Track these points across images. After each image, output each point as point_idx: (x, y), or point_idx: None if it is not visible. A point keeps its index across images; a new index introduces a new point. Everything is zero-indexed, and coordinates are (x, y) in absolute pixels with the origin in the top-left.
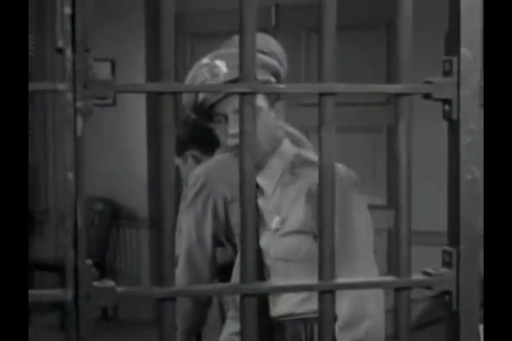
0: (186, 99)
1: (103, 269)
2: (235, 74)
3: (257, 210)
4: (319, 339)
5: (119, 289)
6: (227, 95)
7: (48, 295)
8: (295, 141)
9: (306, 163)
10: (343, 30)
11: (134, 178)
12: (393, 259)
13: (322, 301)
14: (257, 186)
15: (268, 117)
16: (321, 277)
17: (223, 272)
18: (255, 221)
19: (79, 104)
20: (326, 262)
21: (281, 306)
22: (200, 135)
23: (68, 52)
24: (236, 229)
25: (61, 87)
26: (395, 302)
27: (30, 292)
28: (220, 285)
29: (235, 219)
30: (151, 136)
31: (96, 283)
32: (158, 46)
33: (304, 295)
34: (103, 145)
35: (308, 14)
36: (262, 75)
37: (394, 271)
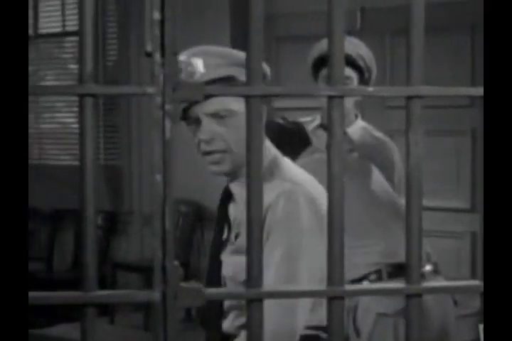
0: None
1: (187, 270)
2: (213, 75)
3: (227, 219)
4: None
5: (207, 290)
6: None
7: (134, 295)
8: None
9: (271, 176)
10: (428, 32)
11: (218, 180)
12: (478, 263)
13: (409, 304)
14: (230, 193)
15: (241, 121)
16: (408, 281)
17: None
18: (343, 222)
19: (167, 107)
20: (413, 265)
21: (236, 320)
22: (285, 138)
23: (157, 56)
24: None
25: (150, 90)
26: (480, 307)
27: (117, 292)
28: (308, 288)
29: None
30: None
31: (183, 284)
32: (247, 50)
33: None
34: (187, 148)
35: (394, 17)
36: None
37: (479, 275)
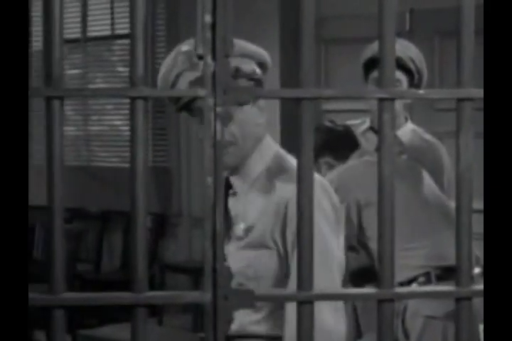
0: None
1: None
2: None
3: (226, 212)
4: None
5: (258, 292)
6: None
7: (185, 297)
8: None
9: (282, 170)
10: (479, 34)
11: None
12: None
13: (459, 307)
14: (230, 185)
15: (246, 114)
16: (458, 284)
17: (354, 277)
18: (393, 224)
19: (219, 109)
20: (463, 268)
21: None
22: (334, 141)
23: (208, 58)
24: (370, 233)
25: (202, 92)
26: None
27: (168, 293)
28: (358, 290)
29: (369, 224)
30: (284, 141)
31: (234, 286)
32: (297, 52)
33: (259, 316)
34: None
35: (443, 19)
36: None
37: None
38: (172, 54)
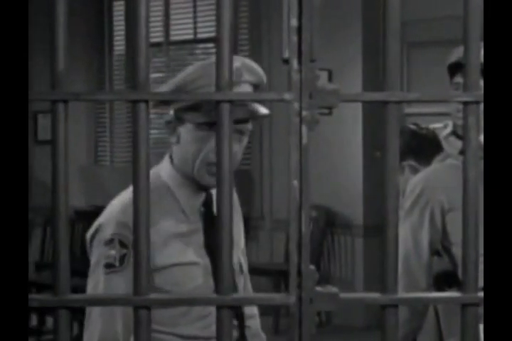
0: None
1: (321, 275)
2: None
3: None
4: None
5: (342, 295)
6: None
7: (270, 299)
8: None
9: None
10: None
11: (350, 186)
12: None
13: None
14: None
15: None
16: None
17: (438, 281)
18: (476, 229)
19: (305, 113)
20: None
21: None
22: (418, 144)
23: (294, 62)
24: (454, 238)
25: (288, 96)
26: None
27: (254, 295)
28: (442, 294)
29: (453, 228)
30: (367, 145)
31: (319, 288)
32: (378, 56)
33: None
34: (320, 153)
35: None
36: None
37: None
38: (207, 65)
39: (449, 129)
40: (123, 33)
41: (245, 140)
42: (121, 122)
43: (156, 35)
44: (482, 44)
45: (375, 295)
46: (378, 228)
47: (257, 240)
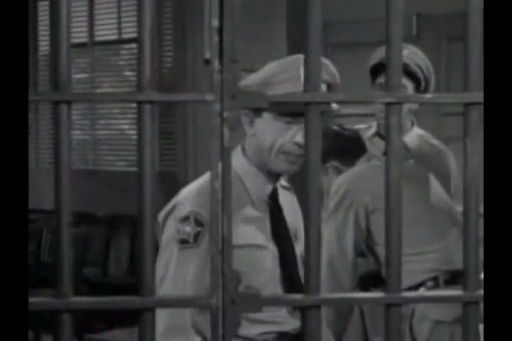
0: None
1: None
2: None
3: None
4: None
5: (264, 296)
6: None
7: (193, 301)
8: None
9: None
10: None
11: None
12: None
13: (466, 312)
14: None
15: None
16: (465, 288)
17: (363, 282)
18: (400, 229)
19: (226, 114)
20: (470, 273)
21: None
22: (341, 146)
23: (216, 63)
24: (378, 238)
25: (209, 97)
26: None
27: (176, 297)
28: (365, 295)
29: (377, 229)
30: None
31: (241, 289)
32: (305, 57)
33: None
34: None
35: (450, 23)
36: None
37: None
38: (292, 60)
39: (373, 130)
40: (48, 33)
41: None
42: (45, 124)
43: (80, 36)
44: (404, 45)
45: (297, 296)
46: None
47: None
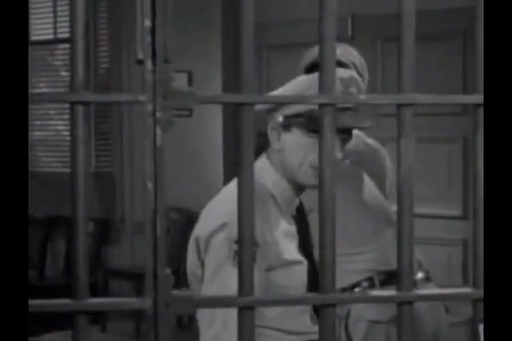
0: None
1: (178, 278)
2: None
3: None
4: None
5: (198, 298)
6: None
7: (126, 303)
8: None
9: None
10: (420, 40)
11: (210, 188)
12: (469, 270)
13: (400, 312)
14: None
15: None
16: (399, 288)
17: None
18: (334, 228)
19: (159, 114)
20: (404, 272)
21: None
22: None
23: (148, 63)
24: (313, 239)
25: (141, 98)
26: (473, 314)
27: (109, 300)
28: (299, 295)
29: (313, 230)
30: (227, 146)
31: (175, 292)
32: (238, 57)
33: None
34: (179, 155)
35: (385, 24)
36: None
37: (471, 283)
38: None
39: None
40: None
41: (344, 149)
42: None
43: None
44: (338, 44)
45: (232, 297)
46: None
47: (119, 243)
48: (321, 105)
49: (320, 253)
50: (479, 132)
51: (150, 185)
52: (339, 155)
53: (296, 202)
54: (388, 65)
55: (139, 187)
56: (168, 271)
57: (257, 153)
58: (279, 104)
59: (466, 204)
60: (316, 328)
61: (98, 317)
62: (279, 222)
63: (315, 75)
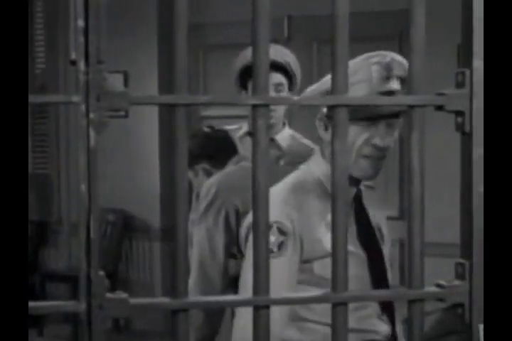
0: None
1: (115, 280)
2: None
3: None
4: None
5: (132, 300)
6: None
7: (60, 306)
8: None
9: None
10: (356, 41)
11: (147, 189)
12: (406, 271)
13: (335, 313)
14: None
15: None
16: (334, 288)
17: (235, 283)
18: (267, 231)
19: (92, 115)
20: (338, 273)
21: None
22: (211, 147)
23: (81, 64)
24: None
25: (75, 99)
26: (408, 314)
27: (43, 303)
28: (233, 297)
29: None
30: (163, 147)
31: (109, 294)
32: (172, 58)
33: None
34: (116, 157)
35: (321, 25)
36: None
37: (407, 283)
38: (361, 61)
39: (243, 130)
40: None
41: (396, 134)
42: None
43: None
44: (271, 45)
45: (165, 300)
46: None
47: (56, 245)
48: (254, 106)
49: (254, 255)
50: (415, 132)
51: (83, 186)
52: (389, 141)
53: (353, 191)
54: (324, 66)
55: (75, 189)
56: (102, 273)
57: None
58: (206, 105)
59: (403, 204)
60: (381, 325)
61: (35, 321)
62: (327, 213)
63: (353, 62)
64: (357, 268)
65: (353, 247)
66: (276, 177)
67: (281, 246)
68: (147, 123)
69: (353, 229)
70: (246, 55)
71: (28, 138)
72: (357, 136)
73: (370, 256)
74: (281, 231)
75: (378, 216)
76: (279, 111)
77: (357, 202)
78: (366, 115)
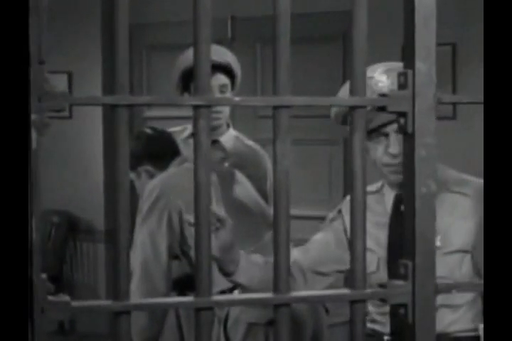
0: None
1: (59, 283)
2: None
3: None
4: None
5: (74, 303)
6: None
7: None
8: None
9: None
10: (299, 42)
11: (91, 191)
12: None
13: (277, 314)
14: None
15: None
16: (276, 290)
17: (179, 285)
18: (209, 232)
19: (33, 116)
20: (281, 275)
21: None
22: (154, 149)
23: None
24: (191, 241)
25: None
26: (350, 315)
27: None
28: (175, 299)
29: (191, 232)
30: (107, 149)
31: (51, 297)
32: (113, 58)
33: (455, 315)
34: (59, 158)
35: (264, 26)
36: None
37: (349, 284)
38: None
39: (187, 132)
40: None
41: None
42: None
43: None
44: (213, 45)
45: (107, 303)
46: None
47: None
48: (195, 107)
49: (195, 256)
50: (356, 133)
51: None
52: (397, 150)
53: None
54: (268, 67)
55: None
56: (44, 276)
57: None
58: (148, 105)
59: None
60: None
61: None
62: (374, 213)
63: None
64: (377, 267)
65: (378, 247)
66: (220, 179)
67: (332, 220)
68: (91, 124)
69: (384, 233)
70: (187, 58)
71: None
72: (376, 149)
73: (391, 259)
74: (338, 211)
75: (449, 222)
76: (224, 113)
77: (395, 207)
78: (371, 129)
